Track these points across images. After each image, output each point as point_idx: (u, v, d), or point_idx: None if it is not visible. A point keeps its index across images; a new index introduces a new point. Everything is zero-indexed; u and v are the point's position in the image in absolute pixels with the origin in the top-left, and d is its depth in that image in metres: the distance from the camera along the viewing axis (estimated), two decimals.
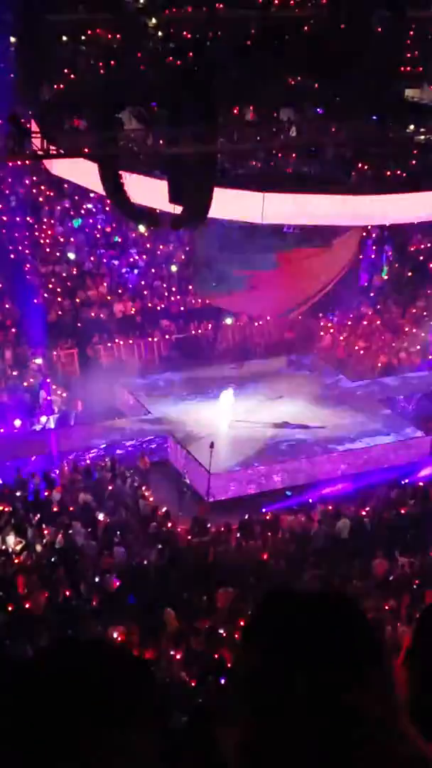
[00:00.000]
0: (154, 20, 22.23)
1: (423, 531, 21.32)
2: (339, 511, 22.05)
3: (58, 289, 30.96)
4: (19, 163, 25.45)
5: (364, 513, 22.09)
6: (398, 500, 22.72)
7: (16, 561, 19.11)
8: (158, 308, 31.21)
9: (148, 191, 21.25)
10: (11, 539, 19.73)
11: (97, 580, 18.74)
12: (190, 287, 30.14)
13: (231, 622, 17.35)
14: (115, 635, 16.43)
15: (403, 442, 25.65)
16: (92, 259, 32.45)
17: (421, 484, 23.61)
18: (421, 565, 19.92)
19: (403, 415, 26.70)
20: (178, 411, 26.37)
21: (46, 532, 20.14)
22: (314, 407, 26.90)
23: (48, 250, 32.15)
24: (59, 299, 30.61)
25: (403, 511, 22.20)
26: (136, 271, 32.31)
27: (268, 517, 21.87)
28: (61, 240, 32.56)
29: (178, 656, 16.19)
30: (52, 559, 19.20)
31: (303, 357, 29.91)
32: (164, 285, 32.10)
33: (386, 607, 18.01)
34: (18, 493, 21.71)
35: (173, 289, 31.90)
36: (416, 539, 20.95)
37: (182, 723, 11.88)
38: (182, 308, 31.19)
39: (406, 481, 23.87)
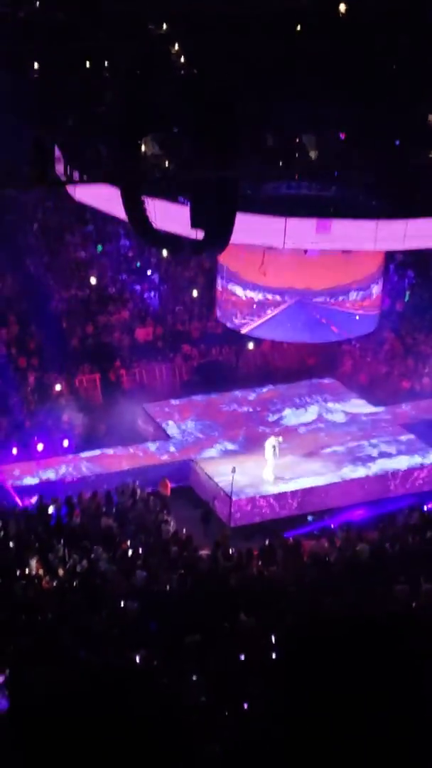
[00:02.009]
0: (177, 46, 22.47)
1: None
2: (360, 535, 21.95)
3: (81, 315, 31.15)
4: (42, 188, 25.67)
5: (384, 538, 21.98)
6: (420, 526, 22.58)
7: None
8: (180, 333, 31.32)
9: (170, 217, 21.36)
10: (33, 563, 19.77)
11: (119, 604, 18.72)
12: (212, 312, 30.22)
13: (251, 647, 17.29)
14: (136, 659, 16.40)
15: (425, 468, 25.53)
16: (114, 284, 32.65)
17: None
18: None
19: (426, 440, 26.58)
20: (200, 436, 26.41)
21: (67, 556, 20.16)
22: (334, 431, 26.88)
23: (70, 275, 32.39)
24: (82, 324, 30.79)
25: (425, 537, 22.06)
26: (153, 294, 32.46)
27: (289, 542, 21.79)
28: (84, 265, 32.81)
29: (199, 681, 16.11)
30: (74, 584, 19.21)
31: (323, 380, 30.00)
32: (185, 310, 32.23)
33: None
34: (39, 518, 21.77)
35: (195, 313, 32.02)
36: None
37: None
38: (203, 333, 31.28)
39: (430, 506, 23.75)
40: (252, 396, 28.71)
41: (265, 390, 29.08)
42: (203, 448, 25.68)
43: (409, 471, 25.27)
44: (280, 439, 24.72)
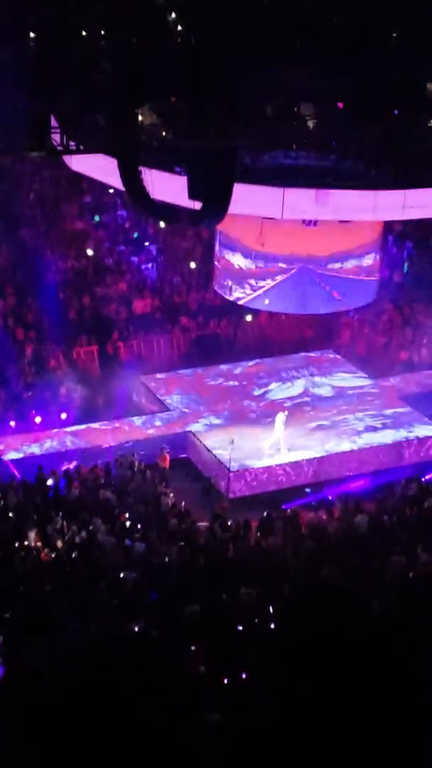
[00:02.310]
0: (174, 15, 22.27)
1: None
2: (358, 507, 22.03)
3: (78, 286, 31.08)
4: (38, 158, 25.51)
5: (383, 510, 22.07)
6: (418, 497, 22.67)
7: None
8: (177, 305, 31.26)
9: (168, 187, 21.26)
10: (32, 535, 19.84)
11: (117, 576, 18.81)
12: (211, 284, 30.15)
13: (250, 618, 17.40)
14: (135, 629, 16.49)
15: (424, 439, 25.59)
16: (112, 255, 32.55)
17: None
18: None
19: (424, 412, 26.61)
20: (198, 408, 26.43)
21: (66, 528, 20.24)
22: (333, 403, 26.90)
23: (67, 246, 32.27)
24: (79, 296, 30.72)
25: (423, 508, 22.15)
26: (151, 266, 32.36)
27: (288, 514, 21.87)
28: (81, 236, 32.69)
29: (197, 651, 16.23)
30: (73, 555, 19.29)
31: (322, 353, 29.97)
32: (183, 281, 32.16)
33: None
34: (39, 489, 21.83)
35: (192, 285, 31.94)
36: None
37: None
38: (201, 305, 31.22)
39: (428, 477, 23.83)
40: (239, 370, 28.49)
41: (251, 364, 28.81)
42: (187, 423, 25.47)
43: (407, 443, 25.32)
44: (286, 413, 24.71)
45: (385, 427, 25.79)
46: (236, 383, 27.87)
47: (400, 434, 25.56)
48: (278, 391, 27.53)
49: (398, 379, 28.28)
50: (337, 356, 29.85)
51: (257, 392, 27.40)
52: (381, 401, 27.15)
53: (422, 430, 25.87)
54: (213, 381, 27.89)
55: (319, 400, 27.04)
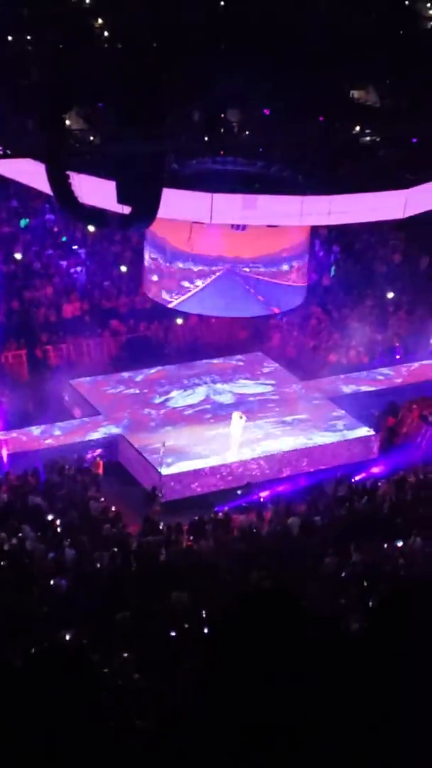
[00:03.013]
0: (100, 20, 22.21)
1: (373, 528, 21.55)
2: (289, 509, 22.19)
3: (6, 290, 30.75)
4: None
5: (314, 511, 22.27)
6: (348, 498, 22.92)
7: None
8: (107, 308, 31.14)
9: (96, 192, 21.16)
10: None
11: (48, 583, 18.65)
12: (140, 288, 30.09)
13: (181, 624, 17.42)
14: (66, 638, 16.40)
15: (352, 441, 25.89)
16: (40, 259, 32.29)
17: (370, 482, 23.83)
18: (372, 561, 20.12)
19: (353, 414, 26.91)
20: (127, 411, 26.35)
21: None
22: (264, 406, 27.05)
23: None
24: (7, 300, 30.40)
25: (353, 508, 22.42)
26: (80, 270, 32.17)
27: (219, 517, 21.93)
28: (8, 240, 32.37)
29: (130, 657, 16.19)
30: (1, 563, 19.07)
31: (250, 355, 30.09)
32: (113, 285, 32.04)
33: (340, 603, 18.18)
34: None
35: (122, 289, 31.85)
36: (367, 536, 21.15)
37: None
38: (131, 308, 31.15)
39: (357, 479, 24.10)
40: (140, 377, 28.14)
41: (153, 371, 28.48)
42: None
43: (336, 444, 25.58)
44: (243, 417, 24.82)
45: (284, 434, 25.49)
46: (137, 391, 27.59)
47: (300, 441, 25.44)
48: (179, 398, 27.25)
49: (300, 385, 28.15)
50: (267, 359, 29.99)
51: (158, 400, 27.08)
52: (282, 408, 26.88)
53: (351, 433, 26.15)
54: (113, 389, 27.57)
55: (219, 408, 26.76)
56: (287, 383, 28.53)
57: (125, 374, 28.34)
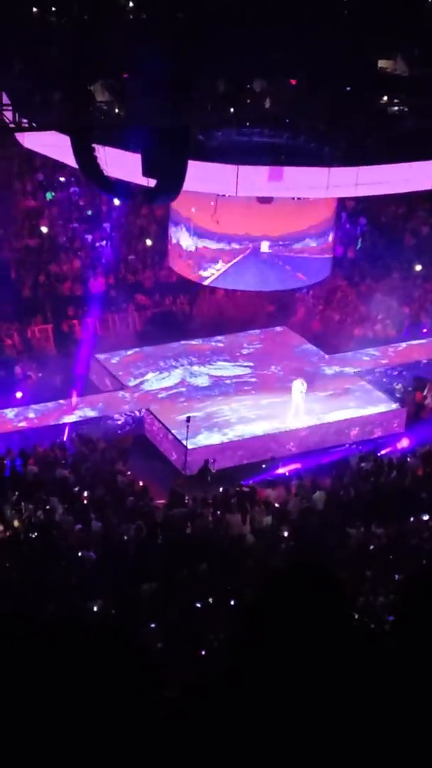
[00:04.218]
0: None
1: (399, 502, 21.57)
2: (315, 483, 22.23)
3: (32, 264, 30.84)
4: None
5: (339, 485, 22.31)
6: (374, 472, 22.92)
7: None
8: (133, 283, 31.15)
9: (122, 164, 21.16)
10: None
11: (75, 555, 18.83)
12: (165, 261, 30.07)
13: (209, 594, 17.55)
14: (94, 609, 16.56)
15: (379, 415, 25.84)
16: (66, 232, 32.32)
17: (397, 456, 23.82)
18: (397, 536, 20.15)
19: (379, 388, 26.85)
20: (153, 385, 26.42)
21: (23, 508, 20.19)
22: (289, 380, 27.02)
23: (21, 224, 31.98)
24: (33, 274, 30.49)
25: (379, 483, 22.43)
26: (105, 244, 32.17)
27: (245, 490, 22.00)
28: (34, 214, 32.42)
29: (156, 628, 16.33)
30: (31, 535, 19.27)
31: (276, 329, 30.04)
32: (138, 259, 32.04)
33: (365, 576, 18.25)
34: None
35: (147, 263, 31.84)
36: (392, 510, 21.18)
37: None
38: (157, 282, 31.14)
39: (383, 453, 24.09)
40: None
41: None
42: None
43: (363, 419, 25.54)
44: (305, 384, 24.99)
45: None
46: (162, 364, 27.47)
47: (324, 415, 25.36)
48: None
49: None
50: (292, 333, 29.94)
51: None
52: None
53: (377, 407, 26.10)
54: (139, 364, 27.41)
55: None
56: (312, 357, 28.47)
57: (151, 348, 28.37)
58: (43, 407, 24.86)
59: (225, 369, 27.55)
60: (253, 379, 27.05)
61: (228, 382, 26.75)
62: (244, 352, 28.57)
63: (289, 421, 24.86)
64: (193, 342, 28.92)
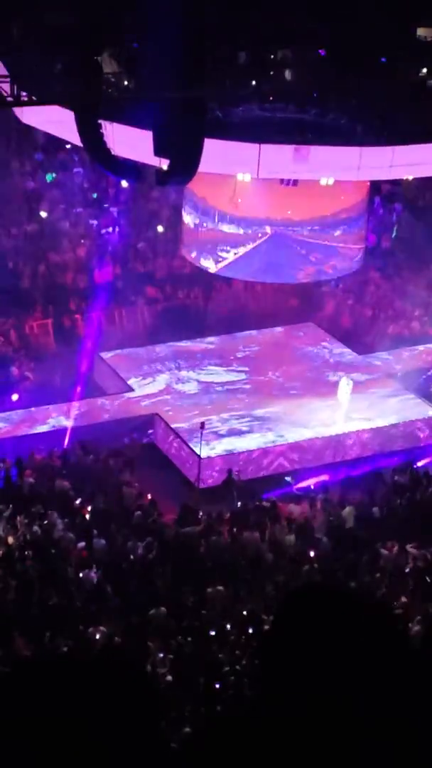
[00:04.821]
0: None
1: None
2: (344, 498, 22.20)
3: (31, 253, 30.93)
4: None
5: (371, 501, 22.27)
6: (409, 486, 22.86)
7: None
8: (142, 273, 31.19)
9: (131, 142, 21.19)
10: None
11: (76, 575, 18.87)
12: (178, 250, 30.10)
13: (224, 621, 17.55)
14: (96, 637, 16.60)
15: (415, 423, 25.77)
16: (68, 218, 32.40)
17: None
18: None
19: (417, 393, 26.78)
20: (163, 387, 26.44)
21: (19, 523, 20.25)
22: (315, 384, 27.00)
23: (18, 208, 32.08)
24: (32, 264, 30.58)
25: (414, 498, 22.38)
26: (112, 230, 32.24)
27: (265, 506, 21.99)
28: (33, 197, 32.51)
29: (166, 658, 16.35)
30: (26, 553, 19.31)
31: (301, 326, 30.03)
32: (149, 247, 32.08)
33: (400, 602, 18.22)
34: None
35: (159, 252, 31.87)
36: (429, 529, 21.14)
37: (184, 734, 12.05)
38: (169, 273, 31.17)
39: (420, 464, 24.02)
40: (177, 350, 28.00)
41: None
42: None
43: (397, 426, 25.49)
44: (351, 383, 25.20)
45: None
46: (174, 365, 27.55)
47: (355, 423, 25.36)
48: (222, 374, 27.15)
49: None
50: (319, 330, 29.94)
51: (197, 375, 26.96)
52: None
53: (413, 414, 26.03)
54: (148, 363, 27.47)
55: (263, 385, 26.77)
56: (341, 357, 28.45)
57: (162, 346, 28.39)
58: (42, 410, 24.90)
59: (239, 370, 27.56)
60: (276, 379, 27.07)
61: (246, 386, 26.74)
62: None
63: (337, 425, 24.96)
64: (210, 340, 28.95)
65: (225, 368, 27.51)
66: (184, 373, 27.34)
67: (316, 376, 27.41)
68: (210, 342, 29.12)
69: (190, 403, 25.86)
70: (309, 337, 29.56)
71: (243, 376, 27.57)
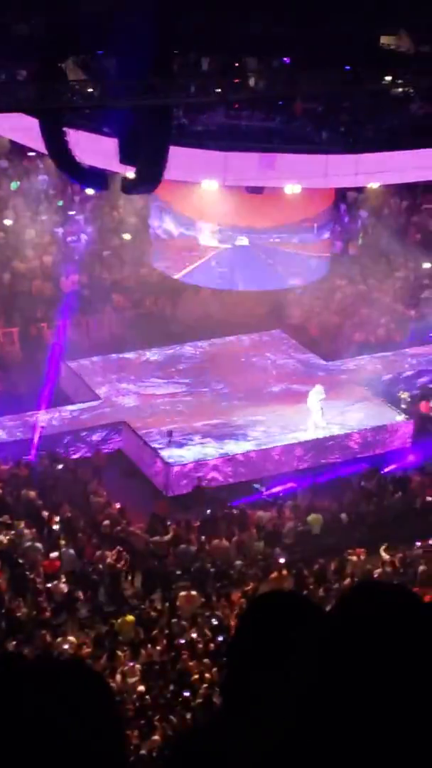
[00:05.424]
0: None
1: (405, 524, 21.61)
2: (311, 504, 22.23)
3: None
4: None
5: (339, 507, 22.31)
6: (378, 492, 22.93)
7: None
8: (109, 281, 31.12)
9: (97, 150, 21.16)
10: None
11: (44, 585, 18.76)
12: (144, 258, 30.05)
13: (193, 629, 17.51)
14: (65, 647, 16.51)
15: (382, 428, 25.84)
16: (33, 226, 32.29)
17: (402, 474, 23.83)
18: (403, 562, 20.17)
19: (383, 399, 26.86)
20: (132, 395, 26.37)
21: None
22: (283, 390, 27.03)
23: None
24: None
25: (382, 504, 22.45)
26: (78, 238, 32.18)
27: (234, 513, 21.97)
28: None
29: (135, 667, 16.29)
30: None
31: (269, 334, 30.03)
32: (115, 255, 32.03)
33: None
34: None
35: (125, 260, 31.82)
36: (399, 534, 21.22)
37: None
38: (136, 281, 31.12)
39: (387, 470, 24.09)
40: (145, 358, 27.91)
41: (160, 351, 28.05)
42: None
43: (364, 432, 25.55)
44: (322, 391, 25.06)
45: (305, 421, 25.18)
46: (142, 373, 27.45)
47: (322, 429, 25.42)
48: (187, 381, 27.11)
49: (323, 366, 27.99)
50: (286, 338, 29.98)
51: (164, 383, 26.94)
52: (302, 393, 26.40)
53: (380, 419, 26.11)
54: (115, 371, 27.33)
55: (232, 393, 26.71)
56: (309, 364, 28.49)
57: (129, 354, 28.32)
58: (9, 420, 24.75)
59: (219, 376, 27.54)
60: (242, 392, 27.03)
61: (223, 390, 26.75)
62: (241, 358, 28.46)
63: (309, 431, 24.96)
64: (184, 347, 28.91)
65: (166, 380, 27.15)
66: (126, 386, 26.95)
67: (276, 383, 27.36)
68: (209, 344, 29.18)
69: (159, 410, 25.77)
70: (276, 344, 29.59)
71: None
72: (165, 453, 23.42)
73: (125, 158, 19.96)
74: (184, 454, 23.89)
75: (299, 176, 22.99)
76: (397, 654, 2.10)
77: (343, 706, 2.09)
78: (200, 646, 17.17)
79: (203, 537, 20.93)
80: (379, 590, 2.24)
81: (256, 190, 23.93)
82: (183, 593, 18.61)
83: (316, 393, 25.01)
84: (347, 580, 19.51)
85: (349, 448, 25.34)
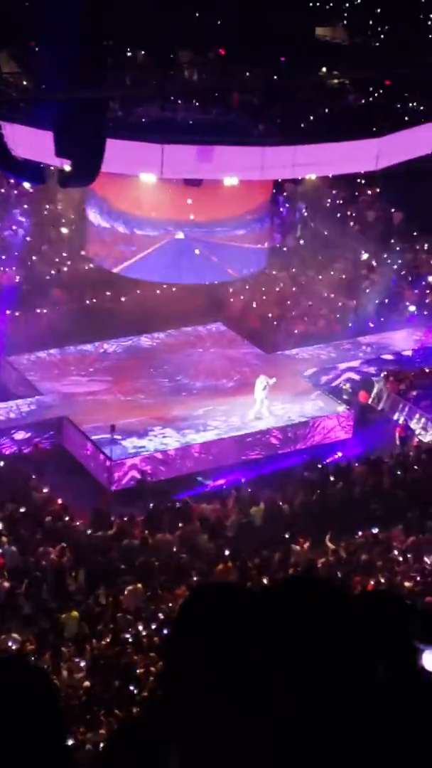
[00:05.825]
0: None
1: (347, 514, 21.75)
2: (254, 496, 22.27)
3: None
4: None
5: (280, 497, 22.39)
6: (320, 482, 23.03)
7: None
8: (47, 276, 30.92)
9: (32, 143, 20.97)
10: None
11: None
12: (83, 252, 29.89)
13: (138, 623, 17.48)
14: (9, 644, 16.38)
15: (323, 419, 25.95)
16: None
17: (343, 464, 23.96)
18: (347, 551, 20.29)
19: (324, 389, 26.99)
20: (72, 391, 26.21)
21: None
22: (224, 383, 27.04)
23: None
24: None
25: (325, 494, 22.56)
26: (21, 233, 31.94)
27: (177, 506, 21.95)
28: None
29: (81, 663, 16.21)
30: None
31: (208, 326, 30.01)
32: (53, 249, 31.83)
33: None
34: None
35: (64, 254, 31.63)
36: (341, 523, 21.33)
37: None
38: (75, 275, 30.95)
39: (328, 461, 24.22)
40: (85, 352, 27.88)
41: (100, 345, 27.97)
42: None
43: (306, 423, 25.65)
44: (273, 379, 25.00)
45: (248, 413, 25.28)
46: (81, 367, 27.30)
47: (264, 420, 25.52)
48: (130, 374, 26.93)
49: (263, 358, 28.01)
50: (227, 330, 29.99)
51: (104, 377, 26.75)
52: (244, 385, 26.53)
53: (321, 410, 26.22)
54: (55, 366, 27.20)
55: (177, 386, 26.72)
56: (249, 356, 28.53)
57: (70, 348, 28.15)
58: None
59: (161, 370, 27.46)
60: (188, 381, 27.01)
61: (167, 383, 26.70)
62: (176, 350, 28.48)
63: (253, 418, 24.98)
64: (125, 341, 28.79)
65: (107, 375, 26.93)
66: (66, 381, 26.61)
67: (218, 376, 27.35)
68: (153, 338, 29.04)
69: (101, 405, 25.63)
70: (216, 337, 29.58)
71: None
72: (106, 448, 23.31)
73: (61, 151, 19.80)
74: (127, 448, 23.81)
75: (237, 168, 23.00)
76: (324, 641, 2.11)
77: (278, 694, 2.08)
78: (145, 640, 17.15)
79: (147, 531, 20.87)
80: (306, 584, 2.25)
81: (195, 183, 23.90)
82: (129, 588, 18.55)
83: (261, 382, 25.05)
84: (291, 570, 19.58)
85: (290, 440, 25.39)
